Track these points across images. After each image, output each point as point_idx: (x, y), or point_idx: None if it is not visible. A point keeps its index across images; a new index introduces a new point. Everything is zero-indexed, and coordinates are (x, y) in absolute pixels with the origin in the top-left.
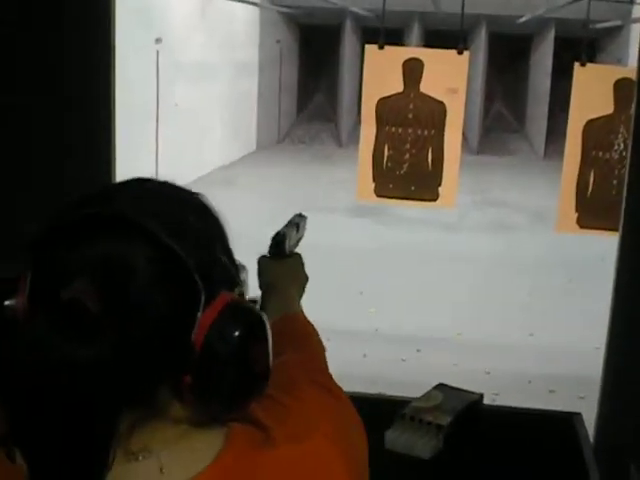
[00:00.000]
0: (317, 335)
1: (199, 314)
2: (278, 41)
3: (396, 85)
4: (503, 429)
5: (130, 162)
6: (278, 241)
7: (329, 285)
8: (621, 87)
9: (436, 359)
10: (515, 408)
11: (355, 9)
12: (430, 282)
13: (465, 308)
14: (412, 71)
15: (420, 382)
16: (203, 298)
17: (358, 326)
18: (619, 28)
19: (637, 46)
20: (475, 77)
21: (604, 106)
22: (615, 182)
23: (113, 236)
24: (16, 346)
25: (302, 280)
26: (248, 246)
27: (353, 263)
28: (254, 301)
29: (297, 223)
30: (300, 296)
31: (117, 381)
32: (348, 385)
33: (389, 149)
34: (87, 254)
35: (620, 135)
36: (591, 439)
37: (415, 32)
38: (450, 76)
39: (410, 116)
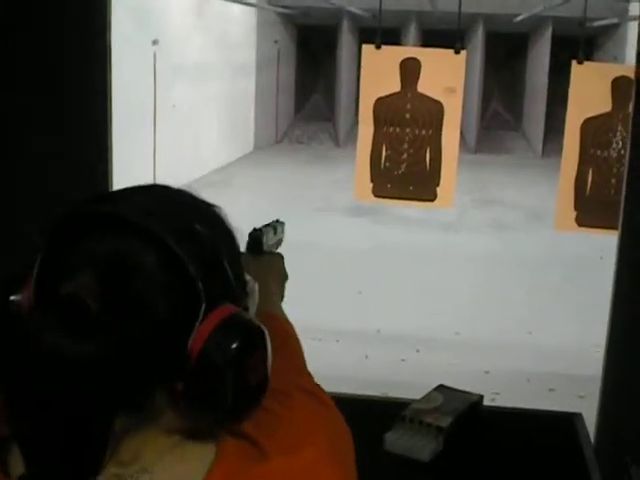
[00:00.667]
0: (295, 334)
1: (198, 322)
2: (275, 41)
3: (393, 85)
4: (503, 430)
5: (127, 163)
6: (254, 237)
7: (328, 285)
8: (619, 85)
9: (435, 359)
10: (515, 409)
11: (352, 9)
12: (429, 281)
13: (464, 307)
14: (409, 71)
15: (419, 383)
16: (204, 307)
17: (359, 327)
18: (616, 26)
19: (634, 44)
20: (472, 76)
21: (602, 104)
22: (614, 180)
23: (119, 236)
24: (14, 339)
25: (281, 277)
26: (245, 247)
27: (352, 263)
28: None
29: (275, 227)
30: (281, 295)
31: (111, 380)
32: (351, 388)
33: (387, 149)
34: (91, 251)
35: (618, 133)
36: (592, 439)
37: (412, 32)
38: (447, 75)
39: (407, 116)
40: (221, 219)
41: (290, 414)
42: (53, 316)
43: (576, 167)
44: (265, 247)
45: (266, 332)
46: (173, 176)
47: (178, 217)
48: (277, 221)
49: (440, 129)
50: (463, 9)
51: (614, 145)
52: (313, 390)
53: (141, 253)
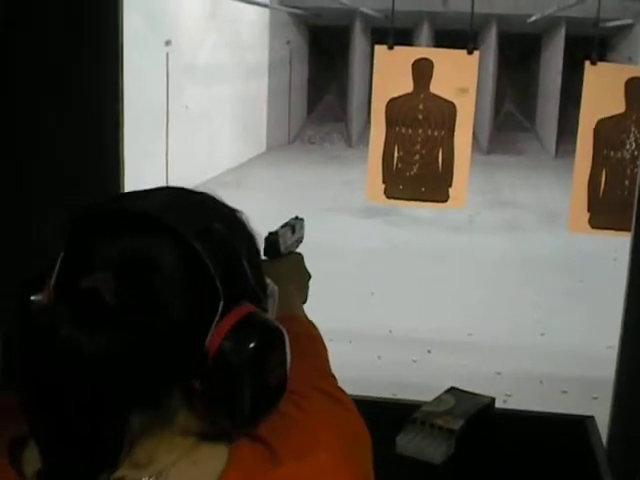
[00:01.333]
0: (319, 336)
1: (216, 321)
2: (288, 42)
3: (406, 85)
4: (515, 433)
5: (139, 165)
6: (271, 241)
7: (340, 286)
8: (633, 86)
9: (447, 360)
10: (527, 412)
11: (364, 9)
12: (441, 283)
13: (476, 309)
14: (422, 71)
15: (431, 384)
16: (221, 305)
17: (372, 328)
18: (630, 26)
19: None
20: (485, 77)
21: (615, 105)
22: (627, 182)
23: (138, 232)
24: (31, 332)
25: (302, 278)
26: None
27: (364, 264)
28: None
29: (293, 225)
30: (304, 296)
31: (126, 376)
32: (362, 389)
33: (399, 150)
34: (112, 247)
35: (632, 134)
36: (604, 442)
37: (425, 32)
38: (460, 76)
39: (420, 117)
40: (241, 221)
41: (305, 417)
42: (69, 308)
43: (589, 168)
44: (283, 249)
45: (285, 333)
46: (185, 177)
47: (197, 216)
48: (296, 218)
49: (453, 130)
50: (476, 9)
51: (627, 146)
52: (334, 393)
53: (159, 250)
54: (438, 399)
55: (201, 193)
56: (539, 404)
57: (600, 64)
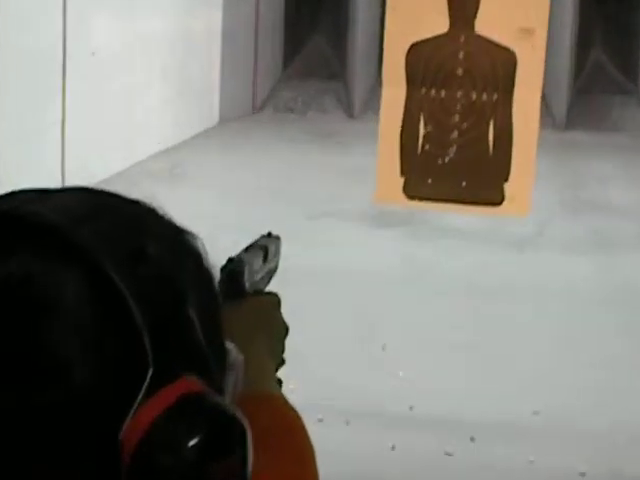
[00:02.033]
0: (303, 430)
1: (139, 400)
2: None
3: (437, 23)
4: None
5: (22, 141)
6: (231, 273)
7: (336, 335)
8: None
9: (500, 453)
10: None
11: None
12: (489, 330)
13: (542, 372)
14: (462, 2)
15: None
16: (149, 376)
17: (382, 401)
18: None
19: None
20: (562, 11)
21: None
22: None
23: (30, 252)
24: None
25: (276, 332)
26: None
27: (372, 301)
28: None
29: (263, 247)
30: (277, 358)
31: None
32: None
33: (427, 124)
34: None
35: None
36: None
37: None
38: (522, 10)
39: (459, 71)
40: (192, 249)
41: None
42: None
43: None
44: (249, 286)
45: (247, 426)
46: (91, 164)
47: (124, 236)
48: (268, 236)
49: (511, 92)
50: None
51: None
52: None
53: (58, 280)
54: None
55: (133, 202)
56: None
57: None
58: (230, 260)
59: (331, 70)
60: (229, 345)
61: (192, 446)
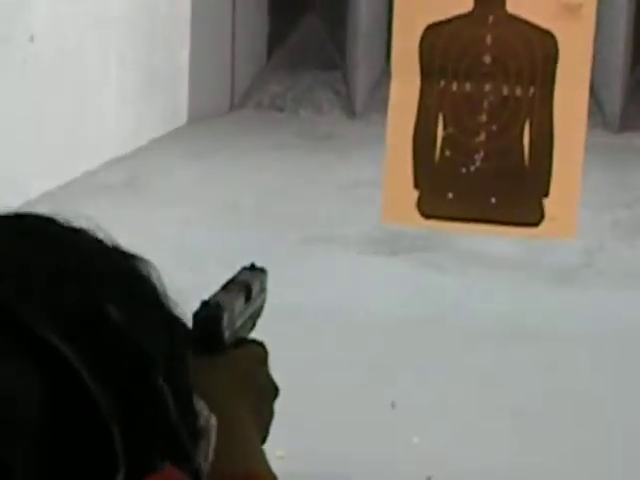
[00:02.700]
0: None
1: None
2: None
3: (459, 1)
4: None
5: None
6: (207, 319)
7: (336, 389)
8: None
9: None
10: None
11: None
12: (525, 386)
13: (596, 440)
14: None
15: None
16: (121, 476)
17: (393, 470)
18: None
19: None
20: None
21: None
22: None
23: None
24: None
25: (262, 394)
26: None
27: (380, 346)
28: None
29: (247, 284)
30: (264, 426)
31: None
32: None
33: (447, 125)
34: None
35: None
36: None
37: None
38: None
39: (487, 59)
40: (149, 291)
41: None
42: None
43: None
44: (228, 335)
45: None
46: (28, 172)
47: (74, 294)
48: (251, 269)
49: (552, 86)
50: None
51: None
52: None
53: (5, 373)
54: None
55: (74, 231)
56: None
57: None
58: (205, 304)
59: (327, 59)
60: (199, 406)
61: None
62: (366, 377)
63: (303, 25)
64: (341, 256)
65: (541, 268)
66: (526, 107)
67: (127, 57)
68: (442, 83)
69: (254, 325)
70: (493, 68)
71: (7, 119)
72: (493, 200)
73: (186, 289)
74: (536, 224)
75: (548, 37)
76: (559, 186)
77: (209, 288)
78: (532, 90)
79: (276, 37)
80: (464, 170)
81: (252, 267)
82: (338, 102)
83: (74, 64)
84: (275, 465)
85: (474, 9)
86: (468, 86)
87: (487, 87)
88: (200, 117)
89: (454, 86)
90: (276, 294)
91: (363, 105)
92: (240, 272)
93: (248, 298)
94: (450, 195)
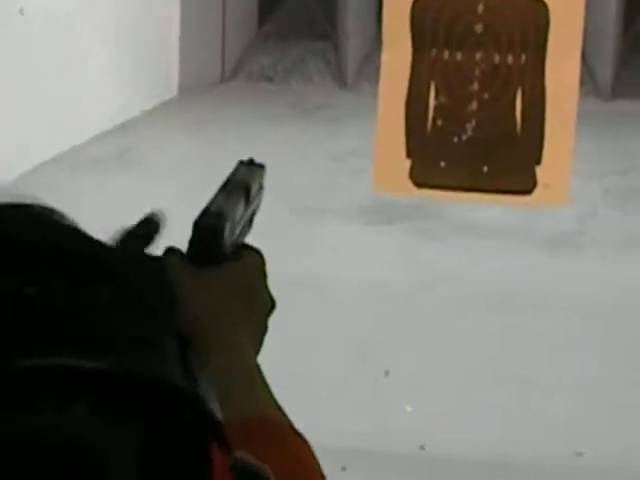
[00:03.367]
0: (313, 462)
1: None
2: None
3: None
4: None
5: None
6: (208, 229)
7: (329, 357)
8: None
9: None
10: None
11: None
12: (517, 353)
13: (586, 405)
14: None
15: None
16: None
17: (386, 439)
18: None
19: None
20: None
21: None
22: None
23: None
24: None
25: (260, 310)
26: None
27: (372, 314)
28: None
29: (246, 185)
30: (258, 345)
31: None
32: None
33: (439, 94)
34: None
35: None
36: None
37: None
38: None
39: (479, 28)
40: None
41: None
42: None
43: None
44: (228, 244)
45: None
46: (16, 147)
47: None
48: (250, 163)
49: (543, 53)
50: None
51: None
52: None
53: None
54: None
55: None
56: None
57: None
58: (205, 211)
59: (318, 29)
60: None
61: None
62: (359, 346)
63: None
64: (333, 226)
65: (534, 236)
66: (518, 75)
67: (117, 29)
68: (434, 52)
69: (251, 225)
70: (485, 37)
71: None
72: (485, 169)
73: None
74: (528, 192)
75: (539, 5)
76: (551, 154)
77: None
78: (524, 58)
79: (266, 8)
80: (456, 139)
81: (250, 162)
82: (329, 73)
83: (64, 36)
84: None
85: None
86: (460, 55)
87: (479, 56)
88: (191, 89)
89: (446, 55)
90: (269, 262)
91: (354, 75)
92: (238, 168)
93: (247, 200)
94: (442, 164)
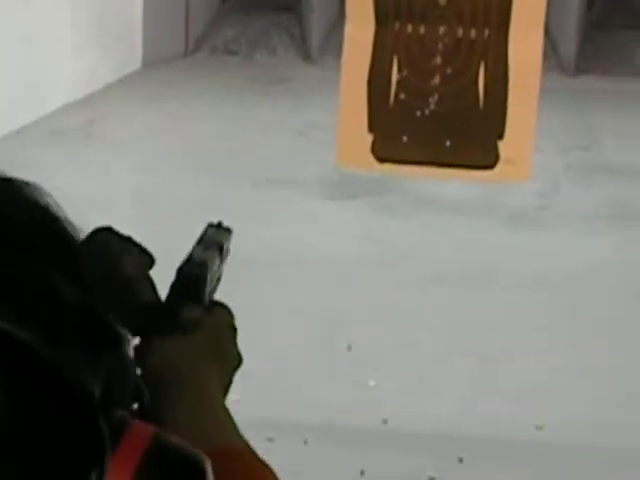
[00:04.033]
0: None
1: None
2: None
3: None
4: None
5: None
6: (192, 277)
7: (291, 332)
8: None
9: (496, 478)
10: None
11: None
12: (479, 328)
13: (547, 379)
14: None
15: None
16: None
17: (348, 414)
18: None
19: None
20: None
21: None
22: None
23: None
24: None
25: (229, 364)
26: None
27: (334, 290)
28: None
29: (220, 244)
30: (224, 394)
31: None
32: None
33: (401, 68)
34: None
35: None
36: None
37: None
38: None
39: (442, 2)
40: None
41: None
42: None
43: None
44: (206, 294)
45: (208, 467)
46: None
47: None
48: (218, 227)
49: (506, 28)
50: None
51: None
52: None
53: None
54: None
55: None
56: None
57: None
58: (188, 260)
59: (282, 1)
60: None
61: None
62: (321, 320)
63: None
64: (296, 199)
65: (496, 211)
66: (481, 49)
67: (81, 2)
68: (397, 26)
69: (218, 284)
70: (448, 10)
71: None
72: (448, 143)
73: (142, 234)
74: (491, 167)
75: None
76: (514, 129)
77: (165, 233)
78: (487, 32)
79: None
80: (419, 113)
81: (219, 225)
82: (293, 46)
83: (28, 9)
84: (231, 409)
85: None
86: (423, 28)
87: (442, 29)
88: (155, 62)
89: (409, 29)
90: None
91: (318, 49)
92: (208, 229)
93: (221, 257)
94: (405, 139)
